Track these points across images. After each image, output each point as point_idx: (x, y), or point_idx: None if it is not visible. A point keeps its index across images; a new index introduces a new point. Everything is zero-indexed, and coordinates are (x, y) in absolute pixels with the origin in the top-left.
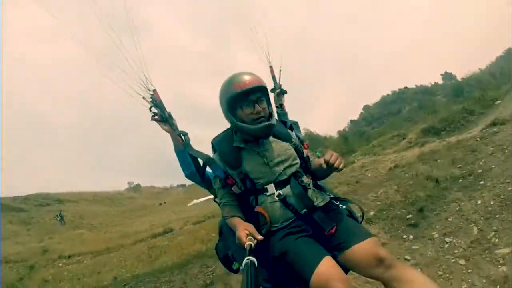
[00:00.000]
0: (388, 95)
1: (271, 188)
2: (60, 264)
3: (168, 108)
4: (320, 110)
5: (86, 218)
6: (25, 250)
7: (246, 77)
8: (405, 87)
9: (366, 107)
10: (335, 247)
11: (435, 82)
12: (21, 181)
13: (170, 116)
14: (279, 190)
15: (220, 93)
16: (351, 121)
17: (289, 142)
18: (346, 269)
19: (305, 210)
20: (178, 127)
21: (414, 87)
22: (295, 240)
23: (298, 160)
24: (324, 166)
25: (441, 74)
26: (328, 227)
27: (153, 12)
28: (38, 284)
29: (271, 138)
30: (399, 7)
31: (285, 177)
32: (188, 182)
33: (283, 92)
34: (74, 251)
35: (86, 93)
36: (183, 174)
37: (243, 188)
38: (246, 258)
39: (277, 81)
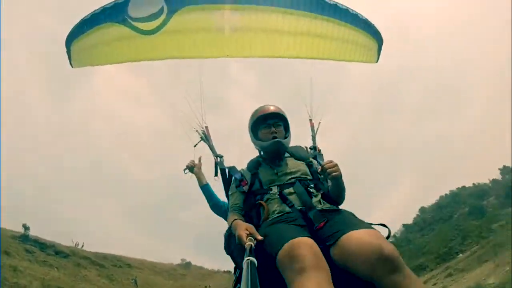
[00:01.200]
0: (445, 194)
1: (275, 188)
2: None
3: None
4: (381, 204)
5: (152, 286)
6: None
7: (269, 106)
8: (463, 186)
9: (422, 209)
10: (328, 238)
11: (493, 179)
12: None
13: (213, 146)
14: (284, 190)
15: (249, 122)
16: (404, 225)
17: (304, 161)
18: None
19: (301, 207)
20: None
21: (471, 185)
22: (280, 223)
23: (309, 176)
24: (318, 169)
25: (499, 169)
26: (318, 221)
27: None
28: None
29: (288, 158)
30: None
31: (291, 181)
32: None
33: (318, 151)
34: None
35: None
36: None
37: (253, 187)
38: (246, 258)
39: (315, 132)
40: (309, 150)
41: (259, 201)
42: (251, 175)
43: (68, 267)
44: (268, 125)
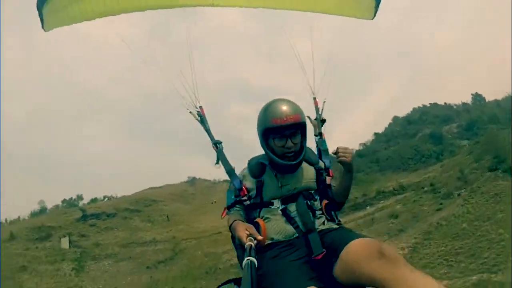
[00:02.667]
0: (418, 107)
1: (277, 203)
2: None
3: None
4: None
5: (177, 215)
6: (166, 237)
7: (285, 111)
8: (434, 103)
9: (395, 119)
10: (330, 255)
11: (463, 102)
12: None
13: (209, 130)
14: (285, 204)
15: (258, 119)
16: (375, 133)
17: (313, 166)
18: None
19: (304, 230)
20: (214, 137)
21: (443, 104)
22: (282, 260)
23: (314, 185)
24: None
25: (471, 94)
26: (317, 251)
27: None
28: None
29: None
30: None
31: (293, 192)
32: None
33: (323, 122)
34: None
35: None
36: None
37: (253, 198)
38: (246, 258)
39: (320, 112)
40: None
41: (257, 220)
42: (255, 182)
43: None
44: (284, 136)
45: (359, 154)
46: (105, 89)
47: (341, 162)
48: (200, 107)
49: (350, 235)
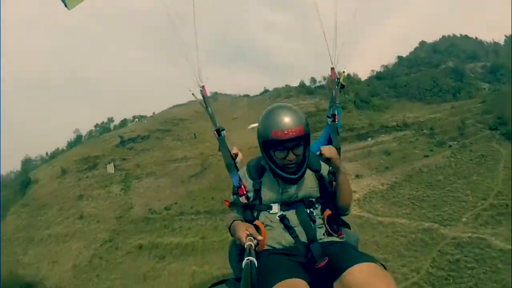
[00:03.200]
0: (448, 36)
1: (275, 207)
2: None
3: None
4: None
5: (202, 133)
6: (195, 154)
7: (287, 123)
8: (465, 35)
9: (422, 43)
10: (330, 274)
11: (494, 41)
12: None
13: (213, 114)
14: (284, 211)
15: (259, 127)
16: (399, 57)
17: (316, 173)
18: None
19: (305, 241)
20: (217, 122)
21: (473, 38)
22: (279, 255)
23: (317, 193)
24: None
25: (505, 35)
26: (320, 260)
27: None
28: None
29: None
30: None
31: (294, 199)
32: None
33: (342, 87)
34: (216, 152)
35: None
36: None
37: (251, 199)
38: (246, 258)
39: (337, 85)
40: (328, 120)
41: (256, 223)
42: (252, 183)
43: (155, 144)
44: (285, 148)
45: (378, 76)
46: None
47: (326, 160)
48: (203, 86)
49: (353, 255)
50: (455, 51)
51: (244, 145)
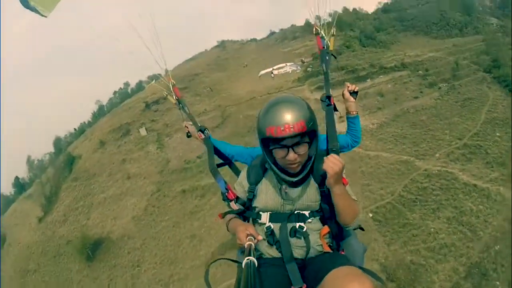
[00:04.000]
0: None
1: (264, 217)
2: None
3: None
4: None
5: (217, 84)
6: (214, 106)
7: (284, 119)
8: None
9: None
10: (312, 281)
11: None
12: None
13: (191, 114)
14: (273, 222)
15: (257, 123)
16: None
17: (320, 188)
18: None
19: (280, 255)
20: (197, 122)
21: None
22: (264, 268)
23: (317, 206)
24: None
25: None
26: (296, 284)
27: None
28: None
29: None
30: None
31: (287, 212)
32: (259, 36)
33: (331, 56)
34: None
35: None
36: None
37: (244, 203)
38: (246, 258)
39: (327, 43)
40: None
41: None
42: (248, 187)
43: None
44: (284, 147)
45: (385, 9)
46: None
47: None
48: (174, 85)
49: (334, 262)
50: None
51: (257, 93)
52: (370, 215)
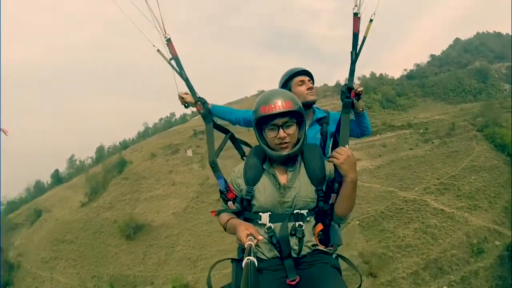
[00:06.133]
0: (480, 33)
1: (265, 217)
2: None
3: None
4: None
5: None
6: (251, 141)
7: (275, 100)
8: (498, 33)
9: (457, 42)
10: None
11: None
12: None
13: (188, 80)
14: (273, 223)
15: (253, 109)
16: (431, 55)
17: (317, 186)
18: None
19: (276, 254)
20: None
21: (505, 34)
22: (260, 274)
23: (313, 203)
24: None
25: None
26: (292, 276)
27: None
28: None
29: (304, 171)
30: None
31: (287, 212)
32: None
33: (357, 53)
34: None
35: None
36: None
37: (242, 203)
38: (246, 258)
39: (358, 38)
40: (342, 92)
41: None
42: (246, 188)
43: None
44: (275, 126)
45: (410, 76)
46: None
47: (334, 164)
48: (169, 40)
49: (326, 279)
50: (485, 50)
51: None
52: (357, 222)
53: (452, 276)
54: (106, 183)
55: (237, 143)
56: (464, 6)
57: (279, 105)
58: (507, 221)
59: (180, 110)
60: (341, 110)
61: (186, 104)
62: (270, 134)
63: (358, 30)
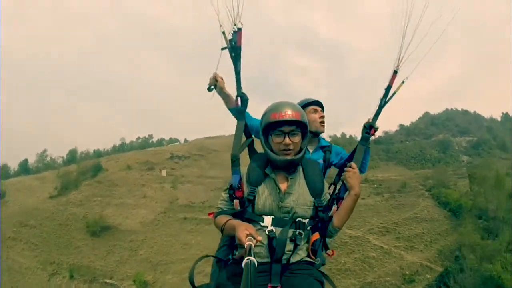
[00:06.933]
0: (449, 110)
1: (268, 220)
2: None
3: None
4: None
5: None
6: (227, 174)
7: (286, 109)
8: (465, 110)
9: (426, 115)
10: None
11: (491, 117)
12: None
13: (239, 72)
14: (275, 227)
15: (262, 117)
16: (400, 125)
17: (316, 198)
18: None
19: (267, 259)
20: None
21: (472, 113)
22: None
23: (310, 212)
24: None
25: (502, 112)
26: (274, 282)
27: None
28: None
29: (303, 181)
30: None
31: (287, 218)
32: None
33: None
34: None
35: None
36: None
37: (244, 205)
38: (246, 258)
39: (390, 93)
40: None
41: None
42: (249, 189)
43: (193, 163)
44: (282, 133)
45: (376, 141)
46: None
47: (343, 181)
48: (239, 29)
49: None
50: (450, 124)
51: None
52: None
53: None
54: (78, 183)
55: (253, 150)
56: (436, 84)
57: (289, 113)
58: (440, 260)
59: (157, 134)
60: (359, 141)
61: (212, 87)
62: (276, 140)
63: (392, 85)
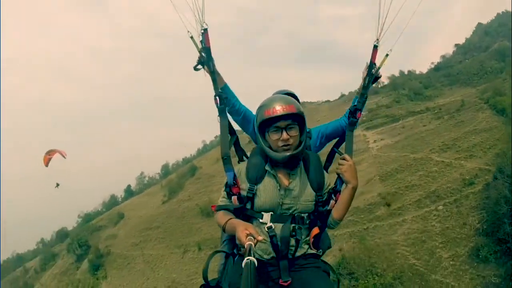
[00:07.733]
0: (500, 13)
1: (266, 216)
2: None
3: None
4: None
5: None
6: None
7: (279, 103)
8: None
9: (479, 27)
10: None
11: None
12: None
13: (214, 69)
14: (274, 223)
15: (256, 115)
16: (456, 45)
17: (317, 192)
18: None
19: (273, 255)
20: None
21: None
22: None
23: (311, 207)
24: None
25: None
26: (285, 277)
27: None
28: None
29: (304, 176)
30: None
31: (286, 214)
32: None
33: (376, 79)
34: None
35: None
36: None
37: (243, 202)
38: (246, 258)
39: (374, 66)
40: (347, 117)
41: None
42: (248, 186)
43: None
44: (279, 128)
45: (436, 67)
46: None
47: (337, 173)
48: (205, 30)
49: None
50: (504, 30)
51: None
52: (378, 177)
53: (447, 200)
54: (182, 185)
55: (239, 146)
56: None
57: (283, 108)
58: (497, 163)
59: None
60: (347, 127)
61: (199, 67)
62: (273, 136)
63: (374, 61)
